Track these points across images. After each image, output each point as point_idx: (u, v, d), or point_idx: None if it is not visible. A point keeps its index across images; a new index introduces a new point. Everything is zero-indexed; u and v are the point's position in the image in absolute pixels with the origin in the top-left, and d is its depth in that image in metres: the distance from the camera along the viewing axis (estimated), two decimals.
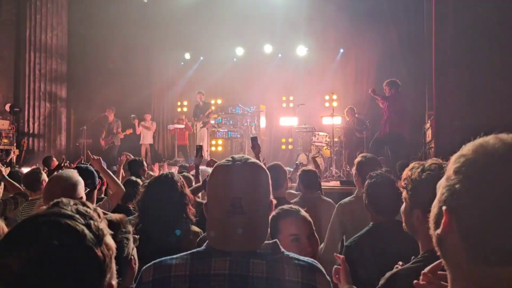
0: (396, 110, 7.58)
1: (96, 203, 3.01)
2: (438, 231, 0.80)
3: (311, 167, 5.33)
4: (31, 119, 11.33)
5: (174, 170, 7.09)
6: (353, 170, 3.17)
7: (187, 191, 2.37)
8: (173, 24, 12.46)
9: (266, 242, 1.23)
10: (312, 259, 1.27)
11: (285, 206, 1.88)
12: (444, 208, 0.78)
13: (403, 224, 1.53)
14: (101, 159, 3.41)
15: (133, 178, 3.99)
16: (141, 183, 3.91)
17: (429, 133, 7.76)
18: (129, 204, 3.59)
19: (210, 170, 6.00)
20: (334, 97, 11.53)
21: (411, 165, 1.52)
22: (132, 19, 12.40)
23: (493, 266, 0.74)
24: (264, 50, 12.47)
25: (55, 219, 0.74)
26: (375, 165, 3.07)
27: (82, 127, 11.29)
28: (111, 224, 1.38)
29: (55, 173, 2.37)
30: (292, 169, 5.80)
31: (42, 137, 11.40)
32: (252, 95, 12.75)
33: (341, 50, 11.95)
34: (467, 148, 0.79)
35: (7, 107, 10.90)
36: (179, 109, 13.43)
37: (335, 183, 7.68)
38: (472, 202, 0.73)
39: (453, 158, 0.80)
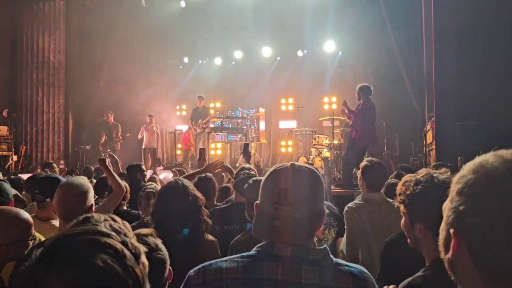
0: (372, 120, 7.18)
1: (96, 205, 2.99)
2: (449, 255, 0.79)
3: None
4: (29, 125, 11.29)
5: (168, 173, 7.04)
6: (358, 174, 3.14)
7: (199, 194, 2.33)
8: (171, 28, 12.44)
9: (318, 248, 1.23)
10: (361, 266, 1.26)
11: None
12: (452, 230, 0.78)
13: (407, 239, 1.52)
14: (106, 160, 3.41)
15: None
16: (127, 187, 3.86)
17: (429, 135, 7.74)
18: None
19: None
20: (333, 99, 11.54)
21: (403, 180, 1.53)
22: (130, 23, 12.38)
23: (508, 286, 0.73)
24: (263, 53, 12.46)
25: (94, 237, 0.71)
26: (381, 170, 3.04)
27: (81, 132, 11.24)
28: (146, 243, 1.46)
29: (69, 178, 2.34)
30: None
31: (41, 143, 11.35)
32: (251, 98, 12.72)
33: (340, 53, 11.95)
34: (467, 169, 0.78)
35: (5, 113, 10.85)
36: (178, 113, 13.40)
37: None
38: (479, 222, 0.73)
39: (455, 179, 0.80)
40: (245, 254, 1.24)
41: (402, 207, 1.51)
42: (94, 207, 2.24)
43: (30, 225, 1.90)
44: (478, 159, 0.78)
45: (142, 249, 0.77)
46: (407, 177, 1.53)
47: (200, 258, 1.27)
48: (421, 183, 1.45)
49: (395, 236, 2.15)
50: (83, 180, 2.23)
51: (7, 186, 2.64)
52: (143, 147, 11.12)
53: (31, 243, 1.89)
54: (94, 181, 4.27)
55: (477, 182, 0.75)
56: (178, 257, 1.69)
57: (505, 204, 0.72)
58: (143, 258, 0.76)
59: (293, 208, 1.20)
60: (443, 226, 0.82)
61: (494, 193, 0.73)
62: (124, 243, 0.73)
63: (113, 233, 0.74)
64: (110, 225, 0.76)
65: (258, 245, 1.25)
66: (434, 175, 1.45)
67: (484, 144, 0.87)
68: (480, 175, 0.75)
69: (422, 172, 1.50)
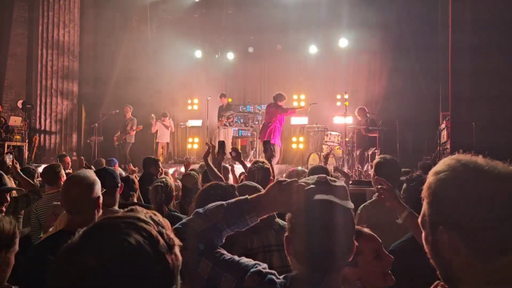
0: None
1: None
2: (444, 252, 0.87)
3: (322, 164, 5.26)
4: (43, 116, 11.39)
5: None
6: (372, 172, 3.08)
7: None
8: (185, 22, 12.44)
9: None
10: None
11: None
12: (441, 227, 0.87)
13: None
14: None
15: (123, 173, 3.93)
16: (135, 179, 3.81)
17: (444, 134, 7.64)
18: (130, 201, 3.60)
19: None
20: (346, 96, 11.42)
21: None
22: (144, 16, 12.41)
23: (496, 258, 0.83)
24: (276, 49, 12.39)
25: (133, 221, 0.77)
26: (394, 167, 2.98)
27: (94, 125, 11.33)
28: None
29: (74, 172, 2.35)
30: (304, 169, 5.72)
31: (54, 134, 11.46)
32: (263, 94, 12.69)
33: (354, 50, 11.82)
34: (431, 175, 0.93)
35: (19, 104, 10.97)
36: (189, 107, 13.41)
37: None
38: (457, 211, 0.85)
39: (425, 187, 0.94)
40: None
41: None
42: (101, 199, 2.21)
43: None
44: (436, 165, 0.93)
45: (177, 242, 0.81)
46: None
47: None
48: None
49: (402, 244, 2.09)
50: (88, 172, 2.22)
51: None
52: (156, 141, 11.35)
53: None
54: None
55: (445, 178, 0.89)
56: None
57: (464, 189, 0.86)
58: (177, 251, 0.80)
59: None
60: (427, 233, 0.93)
61: (460, 180, 0.87)
62: (160, 232, 0.78)
63: (151, 222, 0.79)
64: (150, 217, 0.81)
65: None
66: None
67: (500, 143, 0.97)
68: (445, 172, 0.89)
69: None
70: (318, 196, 1.16)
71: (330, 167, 8.15)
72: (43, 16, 11.46)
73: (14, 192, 3.69)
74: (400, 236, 2.20)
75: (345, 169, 8.61)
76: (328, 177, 1.23)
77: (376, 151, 8.91)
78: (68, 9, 11.66)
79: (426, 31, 9.80)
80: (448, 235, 0.85)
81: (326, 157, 5.73)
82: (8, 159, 8.68)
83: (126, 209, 0.84)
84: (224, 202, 1.27)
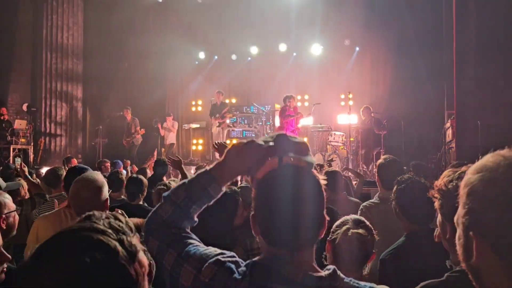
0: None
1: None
2: (473, 259, 0.77)
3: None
4: (47, 119, 11.44)
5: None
6: (375, 172, 3.09)
7: None
8: (187, 23, 12.46)
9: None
10: (371, 284, 1.08)
11: None
12: (471, 233, 0.77)
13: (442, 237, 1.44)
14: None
15: (135, 175, 3.92)
16: (144, 180, 3.80)
17: (449, 132, 7.59)
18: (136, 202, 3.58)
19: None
20: (350, 96, 11.38)
21: (443, 174, 1.42)
22: (147, 18, 12.45)
23: None
24: (279, 49, 12.38)
25: (87, 234, 0.72)
26: (397, 168, 2.97)
27: (98, 127, 11.37)
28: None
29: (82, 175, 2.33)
30: None
31: (59, 137, 11.50)
32: (266, 94, 12.67)
33: (357, 48, 11.79)
34: (470, 172, 0.80)
35: (24, 107, 11.02)
36: (193, 109, 13.42)
37: None
38: (494, 216, 0.73)
39: (462, 184, 0.81)
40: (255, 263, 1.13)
41: (436, 203, 1.40)
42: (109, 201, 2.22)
43: None
44: (479, 161, 0.80)
45: (140, 247, 0.77)
46: (449, 171, 1.40)
47: None
48: (456, 180, 1.32)
49: (392, 251, 2.01)
50: (97, 175, 2.23)
51: None
52: (166, 143, 11.39)
53: None
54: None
55: (483, 179, 0.77)
56: None
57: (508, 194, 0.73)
58: (140, 256, 0.76)
59: None
60: (460, 235, 0.82)
61: (501, 185, 0.74)
62: (120, 240, 0.73)
63: (109, 230, 0.74)
64: (109, 223, 0.76)
65: None
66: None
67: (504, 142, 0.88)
68: (484, 172, 0.77)
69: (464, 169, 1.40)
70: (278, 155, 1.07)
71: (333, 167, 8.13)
72: (47, 19, 11.52)
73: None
74: (395, 239, 2.15)
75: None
76: (288, 134, 1.13)
77: (381, 150, 8.88)
78: (72, 12, 11.71)
79: (431, 29, 9.74)
80: (479, 244, 0.75)
81: (330, 161, 5.75)
82: (17, 162, 8.75)
83: (83, 216, 0.79)
84: (186, 180, 1.21)
